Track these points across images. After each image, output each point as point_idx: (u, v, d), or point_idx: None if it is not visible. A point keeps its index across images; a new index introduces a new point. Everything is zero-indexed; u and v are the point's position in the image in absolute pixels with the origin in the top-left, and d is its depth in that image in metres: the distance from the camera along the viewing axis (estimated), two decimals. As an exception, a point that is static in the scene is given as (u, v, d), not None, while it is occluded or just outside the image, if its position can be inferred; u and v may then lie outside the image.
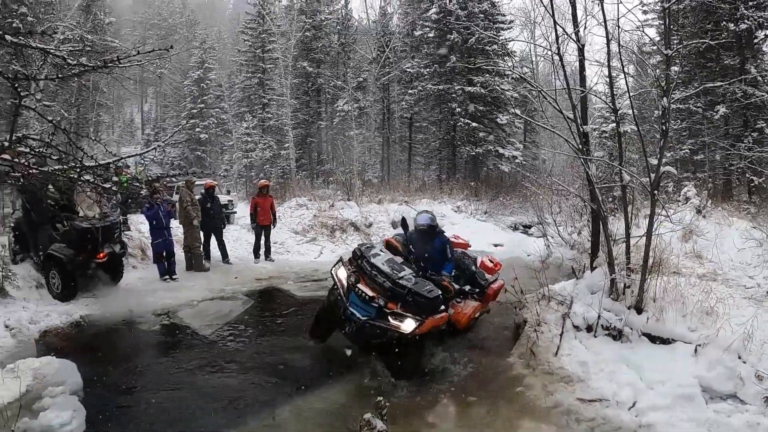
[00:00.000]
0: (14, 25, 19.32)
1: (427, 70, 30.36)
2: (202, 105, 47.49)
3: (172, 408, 6.25)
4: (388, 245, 7.60)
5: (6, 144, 2.87)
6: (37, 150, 3.05)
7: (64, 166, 3.35)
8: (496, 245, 15.72)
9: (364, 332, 6.53)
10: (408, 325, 6.26)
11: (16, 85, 2.83)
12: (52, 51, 3.60)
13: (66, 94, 32.85)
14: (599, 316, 6.50)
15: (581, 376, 5.83)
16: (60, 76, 3.00)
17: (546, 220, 13.62)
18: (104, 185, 3.55)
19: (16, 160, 3.13)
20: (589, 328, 6.60)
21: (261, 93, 39.23)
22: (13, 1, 20.56)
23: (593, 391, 5.61)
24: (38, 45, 3.62)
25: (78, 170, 3.36)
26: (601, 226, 7.29)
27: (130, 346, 8.44)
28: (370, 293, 6.49)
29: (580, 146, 7.28)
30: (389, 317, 6.36)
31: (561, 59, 7.77)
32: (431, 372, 6.78)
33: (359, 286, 6.60)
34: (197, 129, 46.64)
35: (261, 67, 39.54)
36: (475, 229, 17.37)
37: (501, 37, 29.25)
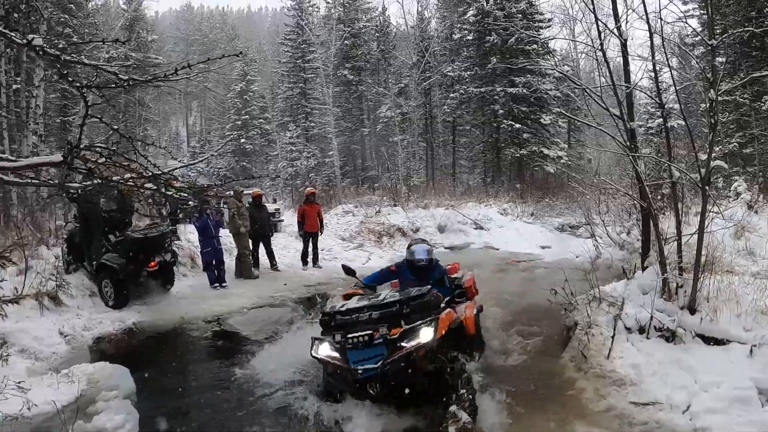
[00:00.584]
0: (60, 45, 19.95)
1: (468, 72, 30.31)
2: (246, 116, 48.24)
3: (224, 413, 6.37)
4: (348, 297, 6.67)
5: (76, 151, 2.98)
6: (106, 156, 3.17)
7: (132, 174, 3.45)
8: (543, 247, 15.57)
9: (390, 376, 5.50)
10: (426, 334, 5.56)
11: (84, 94, 2.95)
12: (102, 66, 3.72)
13: (113, 110, 33.84)
14: (651, 317, 6.34)
15: (634, 378, 5.70)
16: (130, 83, 3.12)
17: (594, 221, 13.41)
18: (167, 193, 3.65)
19: (89, 166, 3.25)
20: (641, 330, 6.45)
21: (303, 102, 39.75)
22: (58, 23, 21.25)
23: (646, 395, 5.49)
24: (90, 62, 3.76)
25: (145, 177, 3.48)
26: (652, 225, 7.16)
27: (181, 351, 8.67)
28: (367, 332, 5.58)
29: (628, 143, 7.17)
30: (402, 342, 5.50)
31: (605, 55, 7.68)
32: (480, 377, 6.50)
33: (351, 336, 5.62)
34: (242, 140, 47.36)
35: (302, 77, 40.11)
36: (523, 232, 17.27)
37: (541, 36, 28.98)
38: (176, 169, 4.22)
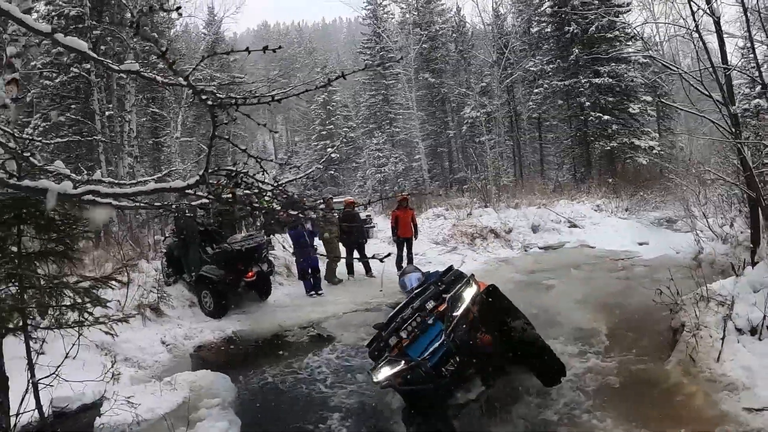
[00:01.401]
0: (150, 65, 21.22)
1: (551, 66, 29.72)
2: (331, 126, 48.97)
3: (326, 419, 6.44)
4: None
5: (205, 175, 3.08)
6: (235, 178, 3.25)
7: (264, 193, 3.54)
8: (641, 243, 15.04)
9: (459, 345, 5.59)
10: (469, 292, 5.82)
11: (215, 113, 3.02)
12: (202, 87, 3.93)
13: (203, 129, 35.35)
14: (765, 317, 6.07)
15: (746, 382, 5.45)
16: (259, 101, 3.25)
17: (693, 213, 12.90)
18: (295, 212, 3.72)
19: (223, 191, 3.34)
20: (753, 331, 6.17)
21: (387, 108, 40.19)
22: (143, 51, 22.55)
23: (761, 399, 5.23)
24: (185, 83, 3.98)
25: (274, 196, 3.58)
26: (761, 216, 6.90)
27: (281, 359, 8.79)
28: (417, 315, 5.77)
29: (732, 129, 6.94)
30: (454, 311, 5.68)
31: (700, 36, 7.46)
32: (582, 381, 6.53)
33: (405, 327, 5.79)
34: (328, 149, 48.18)
35: (383, 84, 40.52)
36: (618, 228, 16.75)
37: (627, 22, 27.95)
38: (291, 181, 4.40)
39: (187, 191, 3.21)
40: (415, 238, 14.46)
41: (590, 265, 13.32)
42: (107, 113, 22.16)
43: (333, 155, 48.18)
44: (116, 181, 4.65)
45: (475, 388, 5.78)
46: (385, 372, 5.70)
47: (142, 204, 4.08)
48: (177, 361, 9.01)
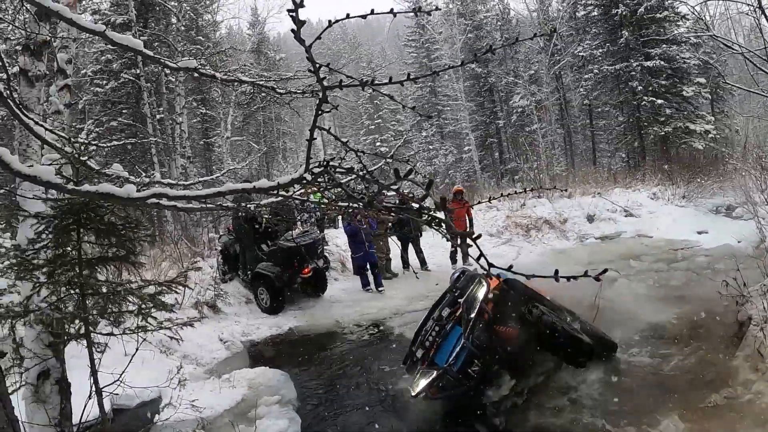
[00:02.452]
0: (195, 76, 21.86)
1: (600, 50, 29.13)
2: (379, 120, 49.10)
3: (385, 418, 6.44)
4: None
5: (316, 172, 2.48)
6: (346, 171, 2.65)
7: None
8: (700, 232, 14.69)
9: (480, 345, 5.89)
10: (481, 291, 6.12)
11: (326, 98, 2.50)
12: (260, 83, 3.98)
13: (252, 128, 35.90)
14: (835, 310, 5.99)
15: (819, 378, 5.28)
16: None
17: (754, 200, 12.52)
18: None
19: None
20: (823, 324, 6.10)
21: (434, 100, 40.05)
22: (190, 54, 23.14)
23: (833, 398, 5.04)
24: (246, 79, 4.06)
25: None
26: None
27: (339, 355, 8.90)
28: (436, 326, 6.17)
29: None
30: (469, 314, 5.96)
31: (764, 11, 7.32)
32: (647, 376, 6.48)
33: (426, 337, 6.22)
34: (377, 143, 48.27)
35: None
36: (676, 216, 16.33)
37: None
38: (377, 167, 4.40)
39: (274, 191, 2.71)
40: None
41: (650, 255, 13.07)
42: (158, 116, 22.84)
43: (383, 149, 48.36)
44: (182, 182, 4.67)
45: (504, 383, 6.05)
46: (420, 384, 5.95)
47: (210, 205, 3.93)
48: (234, 357, 9.22)
